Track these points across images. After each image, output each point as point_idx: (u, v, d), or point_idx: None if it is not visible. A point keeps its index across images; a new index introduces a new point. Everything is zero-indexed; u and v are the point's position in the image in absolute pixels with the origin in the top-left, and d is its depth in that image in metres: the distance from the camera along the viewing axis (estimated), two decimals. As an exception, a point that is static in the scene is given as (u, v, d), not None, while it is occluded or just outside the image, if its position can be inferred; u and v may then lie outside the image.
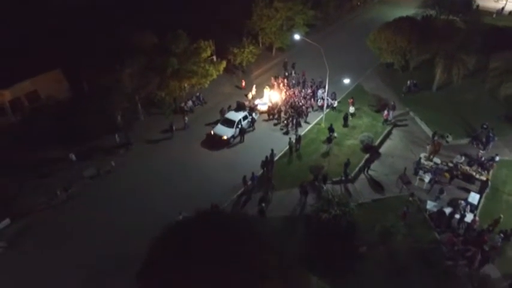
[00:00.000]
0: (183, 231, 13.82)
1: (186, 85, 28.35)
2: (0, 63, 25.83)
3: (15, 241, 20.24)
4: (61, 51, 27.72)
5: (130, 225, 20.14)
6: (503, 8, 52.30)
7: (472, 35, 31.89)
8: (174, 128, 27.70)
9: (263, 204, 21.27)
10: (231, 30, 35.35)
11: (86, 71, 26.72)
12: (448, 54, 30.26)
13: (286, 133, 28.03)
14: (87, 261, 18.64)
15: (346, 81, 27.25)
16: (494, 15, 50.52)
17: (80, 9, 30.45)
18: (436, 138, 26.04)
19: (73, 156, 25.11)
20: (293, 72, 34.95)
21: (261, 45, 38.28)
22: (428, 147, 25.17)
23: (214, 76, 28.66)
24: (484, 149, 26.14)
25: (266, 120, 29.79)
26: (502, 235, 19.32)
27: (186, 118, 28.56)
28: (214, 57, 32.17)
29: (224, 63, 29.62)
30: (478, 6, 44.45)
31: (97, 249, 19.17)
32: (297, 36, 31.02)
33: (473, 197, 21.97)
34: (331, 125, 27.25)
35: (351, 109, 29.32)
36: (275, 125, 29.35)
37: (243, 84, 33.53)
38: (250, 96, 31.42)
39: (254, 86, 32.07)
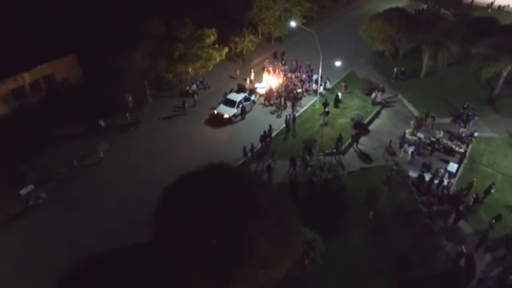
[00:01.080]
0: (194, 179, 16.11)
1: (190, 69, 30.69)
2: (20, 47, 28.24)
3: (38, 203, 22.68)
4: (75, 38, 30.11)
5: (139, 189, 22.26)
6: (492, 3, 54.60)
7: (456, 25, 34.19)
8: (186, 105, 30.43)
9: (270, 161, 23.75)
10: (233, 21, 37.73)
11: (99, 55, 29.00)
12: (433, 42, 32.59)
13: (280, 116, 30.25)
14: (105, 218, 20.92)
15: (338, 63, 29.54)
16: (489, 10, 52.80)
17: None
18: (421, 116, 28.43)
19: (102, 123, 28.11)
20: (283, 60, 37.20)
21: (260, 35, 40.70)
22: (412, 122, 27.49)
23: (217, 60, 31.05)
24: (464, 127, 28.46)
25: (266, 106, 32.11)
26: (474, 196, 21.69)
27: (196, 96, 31.41)
28: (217, 46, 34.52)
29: (226, 49, 32.01)
30: (472, 1, 46.61)
31: (111, 209, 21.47)
32: (293, 24, 33.39)
33: (452, 166, 24.32)
34: (326, 99, 29.80)
35: (339, 94, 31.65)
36: (269, 105, 31.84)
37: (238, 73, 35.70)
38: (249, 80, 33.75)
39: (252, 71, 34.40)
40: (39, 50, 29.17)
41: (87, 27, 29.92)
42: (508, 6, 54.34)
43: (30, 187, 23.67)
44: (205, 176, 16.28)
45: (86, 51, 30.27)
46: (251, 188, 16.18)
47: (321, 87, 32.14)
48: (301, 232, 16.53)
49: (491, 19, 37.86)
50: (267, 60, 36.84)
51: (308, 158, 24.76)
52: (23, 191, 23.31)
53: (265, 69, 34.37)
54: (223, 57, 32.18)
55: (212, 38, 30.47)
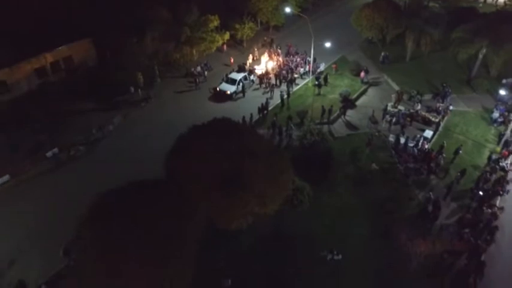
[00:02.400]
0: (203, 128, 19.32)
1: (195, 51, 33.96)
2: (42, 30, 31.41)
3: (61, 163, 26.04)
4: (90, 24, 33.24)
5: (149, 151, 24.71)
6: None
7: (438, 13, 37.37)
8: (198, 80, 34.30)
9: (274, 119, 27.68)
10: (234, 11, 40.89)
11: (113, 39, 32.13)
12: (416, 28, 35.79)
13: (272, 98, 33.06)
14: (125, 169, 23.61)
15: (328, 44, 32.63)
16: (480, 5, 55.81)
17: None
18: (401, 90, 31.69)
19: (132, 89, 32.25)
20: (274, 46, 40.34)
21: (259, 25, 43.93)
22: (393, 96, 30.66)
23: (220, 43, 34.36)
24: (442, 102, 31.61)
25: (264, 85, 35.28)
26: (444, 155, 24.86)
27: (206, 72, 35.20)
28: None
29: (228, 34, 35.25)
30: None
31: (130, 163, 24.46)
32: (287, 9, 36.67)
33: (428, 133, 27.54)
34: (319, 74, 33.33)
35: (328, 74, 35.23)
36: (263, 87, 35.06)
37: (232, 61, 38.46)
38: (248, 63, 36.98)
39: (250, 55, 37.62)
40: (59, 33, 32.38)
41: (101, 14, 33.08)
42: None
43: (55, 150, 26.95)
44: (211, 127, 19.55)
45: (100, 36, 33.49)
46: (248, 137, 19.40)
47: (315, 69, 35.35)
48: (290, 173, 19.70)
49: (471, 8, 40.98)
50: (265, 38, 39.97)
51: (292, 128, 27.75)
52: (48, 154, 26.59)
53: (255, 53, 37.62)
54: (225, 41, 35.41)
55: (215, 23, 33.72)
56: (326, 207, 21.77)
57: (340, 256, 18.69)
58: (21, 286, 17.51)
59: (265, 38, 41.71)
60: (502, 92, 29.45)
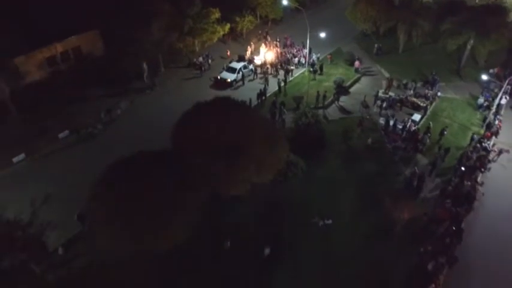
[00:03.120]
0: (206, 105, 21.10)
1: (197, 42, 35.79)
2: (52, 22, 33.21)
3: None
4: (97, 16, 35.01)
5: (155, 131, 26.70)
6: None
7: (429, 6, 39.12)
8: (203, 68, 36.35)
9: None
10: (234, 4, 42.62)
11: (119, 30, 33.88)
12: (407, 21, 37.56)
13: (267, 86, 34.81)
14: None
15: (322, 34, 34.39)
16: (477, 0, 57.44)
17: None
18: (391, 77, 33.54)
19: (145, 65, 34.63)
20: (269, 39, 42.05)
21: (258, 19, 45.74)
22: (384, 82, 32.46)
23: (221, 33, 36.20)
24: (431, 89, 33.38)
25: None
26: (429, 135, 26.64)
27: (210, 60, 37.18)
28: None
29: (228, 26, 37.09)
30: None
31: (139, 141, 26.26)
32: (284, 2, 38.51)
33: (416, 116, 29.36)
34: (313, 61, 35.00)
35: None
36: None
37: (228, 53, 40.12)
38: (248, 53, 38.79)
39: (249, 47, 39.42)
40: (68, 24, 34.18)
41: (109, 6, 34.88)
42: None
43: (66, 132, 28.81)
44: (214, 104, 21.37)
45: (107, 27, 35.29)
46: (247, 112, 21.23)
47: (311, 60, 37.13)
48: (284, 144, 21.47)
49: (460, 1, 42.58)
50: (260, 32, 42.25)
51: (285, 113, 29.47)
52: (60, 135, 28.48)
53: (252, 46, 39.60)
54: (226, 32, 37.28)
55: (216, 15, 35.55)
56: (318, 180, 23.55)
57: (330, 221, 20.48)
58: (40, 246, 19.30)
59: (260, 32, 43.50)
60: (484, 77, 31.17)
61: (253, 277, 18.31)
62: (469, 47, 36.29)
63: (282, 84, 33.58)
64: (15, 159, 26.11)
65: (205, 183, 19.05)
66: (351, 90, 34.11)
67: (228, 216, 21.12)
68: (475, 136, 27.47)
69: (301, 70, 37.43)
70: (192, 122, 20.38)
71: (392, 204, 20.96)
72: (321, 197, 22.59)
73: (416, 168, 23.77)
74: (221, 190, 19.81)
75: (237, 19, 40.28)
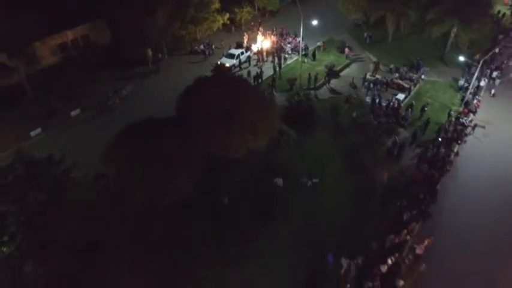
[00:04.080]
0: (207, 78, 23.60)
1: (198, 30, 38.33)
2: (63, 11, 35.70)
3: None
4: (105, 5, 37.54)
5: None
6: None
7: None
8: (207, 52, 39.00)
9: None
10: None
11: (126, 16, 36.30)
12: (395, 10, 40.03)
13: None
14: None
15: (314, 22, 36.88)
16: None
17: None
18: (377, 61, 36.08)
19: (149, 51, 37.22)
20: (261, 29, 44.32)
21: (256, 11, 48.28)
22: (371, 65, 34.95)
23: (221, 22, 38.78)
24: (416, 73, 35.85)
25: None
26: (410, 110, 29.15)
27: (213, 46, 39.92)
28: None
29: (228, 15, 39.66)
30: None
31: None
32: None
33: (400, 96, 31.85)
34: (306, 45, 37.55)
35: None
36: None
37: (223, 43, 42.39)
38: (245, 41, 41.30)
39: (245, 35, 41.88)
40: (77, 13, 36.69)
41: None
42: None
43: (78, 110, 31.34)
44: (214, 77, 23.91)
45: (114, 16, 37.77)
46: (244, 84, 23.75)
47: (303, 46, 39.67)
48: (276, 112, 24.00)
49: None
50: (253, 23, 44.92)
51: (274, 94, 32.11)
52: (72, 113, 31.02)
53: (245, 36, 42.03)
54: (226, 21, 39.84)
55: (216, 5, 38.10)
56: (308, 149, 26.03)
57: (317, 179, 22.96)
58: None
59: (253, 23, 46.23)
60: (462, 58, 33.63)
61: (247, 226, 20.72)
62: (452, 34, 38.78)
63: (277, 68, 36.07)
64: (32, 133, 28.67)
65: (205, 144, 21.57)
66: (341, 74, 36.59)
67: (227, 178, 23.51)
68: (452, 112, 29.93)
69: (295, 57, 39.94)
70: (194, 92, 22.95)
71: (374, 168, 23.46)
72: (310, 162, 25.07)
73: (396, 138, 26.26)
74: (220, 153, 22.34)
75: (236, 10, 42.78)
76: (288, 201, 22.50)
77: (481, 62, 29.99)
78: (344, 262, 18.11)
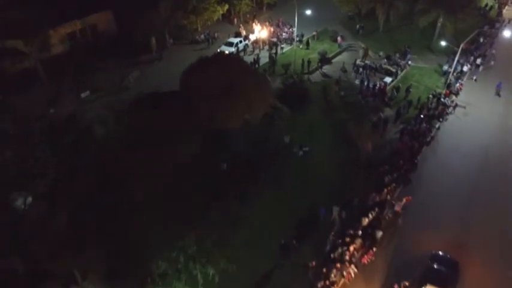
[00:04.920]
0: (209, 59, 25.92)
1: (198, 20, 40.75)
2: (72, 1, 38.08)
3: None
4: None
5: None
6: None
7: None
8: (210, 41, 41.56)
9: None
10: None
11: (132, 7, 38.66)
12: (385, 2, 42.41)
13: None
14: None
15: (308, 12, 39.26)
16: None
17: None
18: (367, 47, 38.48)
19: (153, 40, 39.58)
20: (256, 21, 46.56)
21: (255, 4, 50.76)
22: (360, 51, 37.32)
23: (220, 13, 41.17)
24: (404, 59, 38.20)
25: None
26: (395, 91, 31.49)
27: (217, 34, 42.58)
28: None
29: (227, 6, 42.09)
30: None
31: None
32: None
33: (387, 79, 34.20)
34: (302, 33, 40.24)
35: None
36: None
37: (216, 35, 44.53)
38: (243, 32, 43.70)
39: (241, 27, 44.30)
40: (86, 4, 39.08)
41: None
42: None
43: (87, 92, 33.70)
44: (214, 57, 26.25)
45: (120, 7, 40.17)
46: (240, 63, 26.09)
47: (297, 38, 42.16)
48: (270, 87, 26.34)
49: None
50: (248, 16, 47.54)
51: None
52: (82, 95, 33.38)
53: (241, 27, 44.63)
54: (225, 12, 42.25)
55: (216, -4, 40.66)
56: (300, 123, 28.35)
57: (307, 148, 25.26)
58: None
59: (248, 16, 48.75)
60: (443, 43, 35.97)
61: (243, 189, 22.91)
62: (439, 24, 41.14)
63: (274, 55, 38.46)
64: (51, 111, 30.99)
65: (205, 114, 23.87)
66: (333, 61, 38.97)
67: (226, 147, 25.75)
68: (434, 92, 32.29)
69: (291, 46, 42.33)
70: (196, 70, 25.28)
71: (360, 140, 25.81)
72: (302, 135, 27.36)
73: (381, 113, 28.57)
74: (219, 125, 24.63)
75: (235, 2, 45.19)
76: (280, 168, 24.76)
77: (461, 47, 32.12)
78: (335, 210, 20.47)
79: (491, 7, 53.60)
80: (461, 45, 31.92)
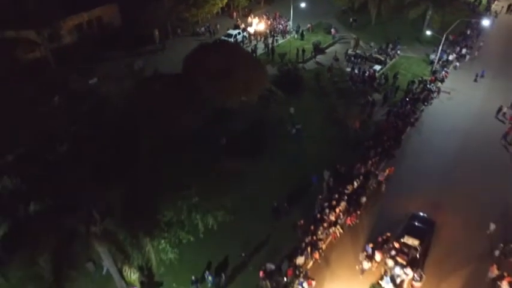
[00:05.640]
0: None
1: (199, 13, 42.98)
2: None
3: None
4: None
5: None
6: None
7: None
8: (212, 31, 43.96)
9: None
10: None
11: (135, 1, 40.91)
12: (376, -5, 44.76)
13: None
14: None
15: (303, 4, 41.51)
16: None
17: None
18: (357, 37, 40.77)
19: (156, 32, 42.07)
20: (252, 15, 48.79)
21: (253, -1, 53.08)
22: (351, 42, 39.53)
23: (220, 6, 43.37)
24: (393, 49, 40.39)
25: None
26: (383, 77, 33.68)
27: (218, 25, 44.96)
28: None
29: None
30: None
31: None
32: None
33: (376, 67, 36.39)
34: (298, 25, 42.37)
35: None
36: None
37: (218, 26, 46.95)
38: (242, 24, 45.93)
39: (238, 20, 46.50)
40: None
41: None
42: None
43: (95, 79, 35.88)
44: (214, 44, 28.47)
45: (124, 1, 42.41)
46: (238, 49, 28.30)
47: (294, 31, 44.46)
48: (266, 74, 28.52)
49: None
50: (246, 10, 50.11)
51: None
52: (90, 81, 35.55)
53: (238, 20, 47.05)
54: (224, 5, 44.46)
55: (216, -10, 42.86)
56: (294, 105, 30.43)
57: (300, 126, 27.45)
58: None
59: (246, 10, 51.16)
60: (428, 32, 38.19)
61: (239, 161, 25.04)
62: (428, 16, 43.33)
63: (270, 46, 40.66)
64: (56, 99, 33.11)
65: (206, 94, 26.03)
66: (327, 51, 41.20)
67: (226, 124, 27.88)
68: (420, 79, 34.50)
69: (287, 38, 44.59)
70: (198, 54, 27.49)
71: (349, 119, 28.01)
72: (296, 116, 29.52)
73: (369, 97, 30.76)
74: (218, 103, 26.80)
75: (234, -4, 47.58)
76: (275, 145, 26.95)
77: (444, 37, 34.34)
78: (326, 174, 22.72)
79: (480, 2, 55.80)
80: (445, 36, 33.98)
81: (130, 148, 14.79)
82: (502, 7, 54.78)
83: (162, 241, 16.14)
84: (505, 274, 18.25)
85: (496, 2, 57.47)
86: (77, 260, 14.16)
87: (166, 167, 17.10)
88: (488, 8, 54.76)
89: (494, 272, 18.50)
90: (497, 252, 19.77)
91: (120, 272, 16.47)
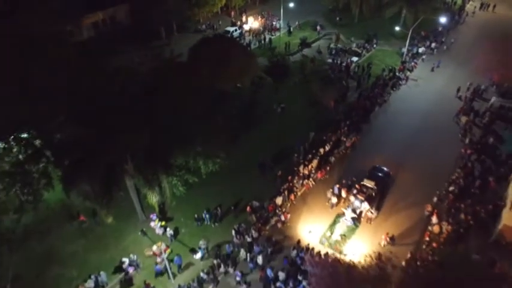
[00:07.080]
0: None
1: (200, 12, 48.70)
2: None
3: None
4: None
5: None
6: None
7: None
8: (215, 26, 49.71)
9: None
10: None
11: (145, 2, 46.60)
12: (358, -4, 50.48)
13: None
14: None
15: (291, 4, 47.25)
16: None
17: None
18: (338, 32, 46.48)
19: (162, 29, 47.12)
20: (246, 14, 54.77)
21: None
22: (333, 37, 45.24)
23: (219, 5, 49.18)
24: (369, 43, 46.08)
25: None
26: (360, 67, 39.37)
27: (220, 21, 50.62)
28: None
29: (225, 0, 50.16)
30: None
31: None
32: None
33: (354, 58, 42.09)
34: (289, 22, 48.25)
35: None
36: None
37: (220, 23, 53.21)
38: (238, 22, 51.70)
39: (234, 18, 52.28)
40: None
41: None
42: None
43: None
44: (214, 37, 34.21)
45: (135, 1, 48.10)
46: (235, 42, 34.04)
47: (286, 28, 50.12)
48: (257, 63, 34.22)
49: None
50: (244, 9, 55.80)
51: None
52: (107, 71, 41.18)
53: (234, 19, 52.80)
54: (223, 4, 50.27)
55: (216, -10, 48.64)
56: (280, 89, 36.16)
57: (284, 104, 33.17)
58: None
59: (242, 9, 56.88)
60: (397, 28, 43.94)
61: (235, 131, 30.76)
62: (403, 15, 49.00)
63: (262, 41, 46.46)
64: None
65: (208, 78, 31.65)
66: (313, 45, 46.93)
67: (224, 103, 33.52)
68: (390, 67, 40.19)
69: (278, 34, 50.33)
70: (200, 46, 33.21)
71: (325, 101, 33.74)
72: (282, 98, 35.23)
73: (344, 82, 36.45)
74: (219, 86, 32.40)
75: (231, -4, 53.34)
76: (264, 120, 32.71)
77: (410, 33, 40.05)
78: (311, 135, 28.88)
79: (456, 2, 61.43)
80: (410, 31, 39.67)
81: (155, 112, 20.45)
82: (475, 7, 60.32)
83: (174, 178, 21.81)
84: (435, 211, 23.94)
85: (470, 2, 63.06)
86: (116, 187, 19.93)
87: (178, 126, 22.69)
88: (462, 7, 60.30)
89: (428, 209, 24.23)
90: (435, 198, 25.45)
91: (141, 203, 22.28)
